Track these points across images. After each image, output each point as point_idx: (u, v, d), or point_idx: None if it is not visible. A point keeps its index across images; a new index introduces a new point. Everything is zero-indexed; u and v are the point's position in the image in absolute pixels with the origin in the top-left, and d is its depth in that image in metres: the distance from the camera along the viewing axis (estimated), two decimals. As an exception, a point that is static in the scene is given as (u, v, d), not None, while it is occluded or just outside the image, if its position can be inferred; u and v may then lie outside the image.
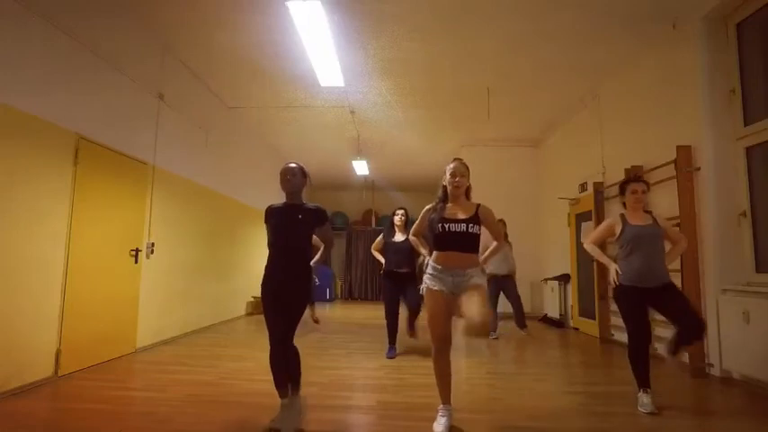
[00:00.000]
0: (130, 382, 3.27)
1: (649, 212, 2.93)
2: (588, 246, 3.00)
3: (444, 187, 2.53)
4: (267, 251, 2.52)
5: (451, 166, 2.51)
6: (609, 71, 5.04)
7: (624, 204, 2.96)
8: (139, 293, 4.24)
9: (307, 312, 2.62)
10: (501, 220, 5.59)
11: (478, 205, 2.49)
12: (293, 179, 2.52)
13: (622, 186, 2.98)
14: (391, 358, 4.05)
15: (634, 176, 3.05)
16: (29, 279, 3.00)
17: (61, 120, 3.27)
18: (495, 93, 5.67)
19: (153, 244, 4.42)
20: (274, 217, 2.52)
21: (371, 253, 4.56)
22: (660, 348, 2.84)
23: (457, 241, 2.38)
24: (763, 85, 3.41)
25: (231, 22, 4.15)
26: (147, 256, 4.34)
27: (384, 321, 4.30)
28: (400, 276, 4.22)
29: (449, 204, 2.49)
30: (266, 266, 2.49)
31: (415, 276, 4.26)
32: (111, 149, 3.83)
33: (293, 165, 2.56)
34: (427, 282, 2.41)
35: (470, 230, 2.37)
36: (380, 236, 4.48)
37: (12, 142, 2.87)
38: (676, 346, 2.65)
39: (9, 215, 2.85)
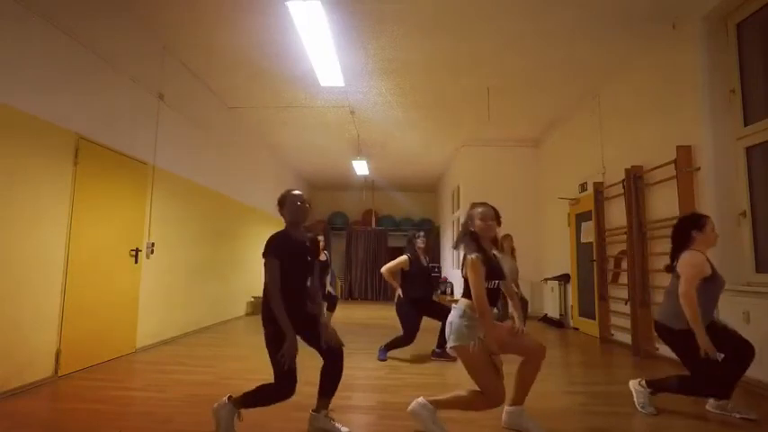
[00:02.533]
0: (130, 382, 3.27)
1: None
2: (691, 300, 2.42)
3: (472, 232, 2.32)
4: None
5: (480, 210, 2.32)
6: (609, 71, 5.04)
7: (692, 240, 2.59)
8: (139, 293, 4.24)
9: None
10: (508, 236, 5.55)
11: (501, 256, 2.46)
12: (308, 205, 2.33)
13: (701, 222, 2.61)
14: (383, 360, 4.04)
15: (704, 214, 2.74)
16: (29, 279, 3.00)
17: (61, 120, 3.27)
18: (495, 93, 5.67)
19: (153, 244, 4.42)
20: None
21: (383, 271, 4.31)
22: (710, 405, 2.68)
23: (498, 298, 2.38)
24: (763, 85, 3.41)
25: (231, 22, 4.15)
26: (147, 256, 4.34)
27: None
28: (422, 301, 4.17)
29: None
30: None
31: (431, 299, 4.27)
32: (111, 149, 3.83)
33: (299, 192, 2.35)
34: (479, 334, 2.16)
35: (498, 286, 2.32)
36: (402, 258, 4.24)
37: (12, 142, 2.87)
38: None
39: (9, 215, 2.85)
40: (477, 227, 2.30)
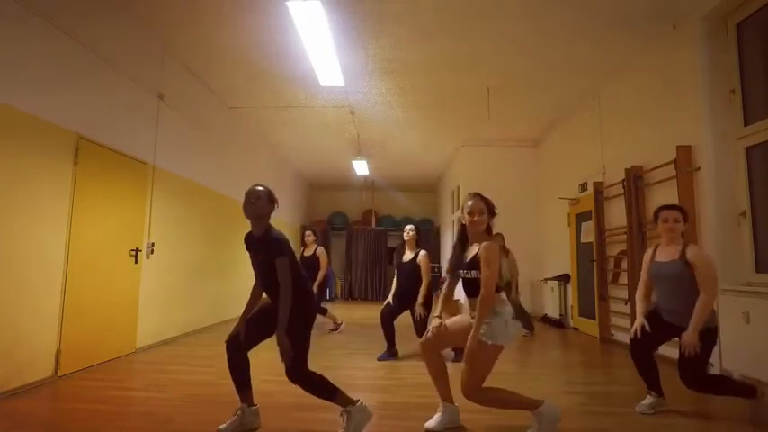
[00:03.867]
0: (130, 382, 3.27)
1: (686, 244, 2.63)
2: (638, 292, 2.79)
3: (463, 225, 2.39)
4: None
5: (469, 204, 2.31)
6: (609, 71, 5.04)
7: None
8: (139, 293, 4.24)
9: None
10: (498, 234, 5.50)
11: (481, 245, 2.25)
12: (257, 202, 2.24)
13: (655, 214, 2.74)
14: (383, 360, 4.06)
15: (667, 204, 2.80)
16: (29, 279, 3.00)
17: (61, 120, 3.27)
18: (495, 93, 5.67)
19: (153, 244, 4.42)
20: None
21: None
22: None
23: (466, 288, 2.36)
24: (763, 85, 3.41)
25: (231, 22, 4.15)
26: (147, 256, 4.34)
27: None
28: (408, 296, 4.10)
29: (470, 246, 2.35)
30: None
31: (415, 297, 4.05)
32: (111, 149, 3.83)
33: (259, 187, 2.29)
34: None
35: (472, 276, 2.27)
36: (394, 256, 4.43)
37: (12, 142, 2.87)
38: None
39: (9, 215, 2.85)
40: (466, 220, 2.36)
